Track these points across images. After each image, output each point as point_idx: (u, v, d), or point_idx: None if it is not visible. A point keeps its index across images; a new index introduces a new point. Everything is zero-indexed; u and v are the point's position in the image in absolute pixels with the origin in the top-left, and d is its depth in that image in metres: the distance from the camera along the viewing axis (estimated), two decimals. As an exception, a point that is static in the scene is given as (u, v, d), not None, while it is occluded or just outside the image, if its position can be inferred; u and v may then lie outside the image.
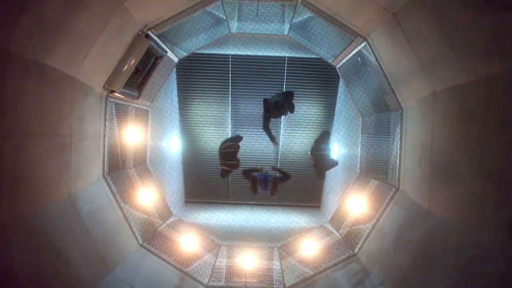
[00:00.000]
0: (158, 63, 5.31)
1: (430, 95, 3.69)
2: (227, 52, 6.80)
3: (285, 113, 5.05)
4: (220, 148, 5.13)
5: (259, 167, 5.43)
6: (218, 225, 6.82)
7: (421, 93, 3.89)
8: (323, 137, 5.35)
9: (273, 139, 5.17)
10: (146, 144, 5.87)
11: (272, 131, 7.55)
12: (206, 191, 8.20)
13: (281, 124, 7.51)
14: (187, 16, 4.74)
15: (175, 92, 7.24)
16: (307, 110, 7.44)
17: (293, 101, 5.04)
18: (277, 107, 4.76)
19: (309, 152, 5.32)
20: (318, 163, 5.06)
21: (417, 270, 3.69)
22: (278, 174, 5.27)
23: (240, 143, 5.28)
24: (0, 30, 2.54)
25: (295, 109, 5.06)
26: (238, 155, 5.19)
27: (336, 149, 6.96)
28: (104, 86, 4.27)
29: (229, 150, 5.03)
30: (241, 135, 5.46)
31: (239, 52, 6.72)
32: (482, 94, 2.84)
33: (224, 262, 5.98)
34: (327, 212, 7.11)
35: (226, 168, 5.11)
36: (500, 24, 2.47)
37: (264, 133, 5.19)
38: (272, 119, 5.15)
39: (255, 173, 5.20)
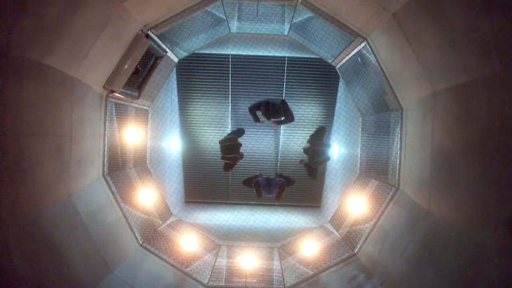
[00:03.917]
0: (158, 63, 5.31)
1: (430, 95, 3.69)
2: (227, 52, 6.80)
3: (278, 118, 5.12)
4: (220, 142, 5.17)
5: (258, 173, 5.44)
6: (218, 225, 6.82)
7: (421, 93, 3.89)
8: (320, 133, 5.35)
9: (257, 119, 5.26)
10: (146, 144, 5.87)
11: (272, 131, 7.63)
12: (206, 191, 8.20)
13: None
14: (187, 16, 4.74)
15: (175, 92, 7.24)
16: (307, 110, 7.44)
17: (293, 101, 5.08)
18: (273, 110, 4.86)
19: (303, 149, 5.34)
20: (314, 158, 5.08)
21: (417, 270, 3.69)
22: (282, 179, 5.25)
23: (241, 141, 5.30)
24: (0, 30, 2.54)
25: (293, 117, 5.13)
26: (240, 149, 5.24)
27: (336, 149, 6.96)
28: (104, 86, 4.27)
29: (228, 143, 5.07)
30: (242, 128, 5.47)
31: (239, 52, 6.71)
32: (482, 94, 2.84)
33: (224, 262, 5.98)
34: (327, 212, 7.11)
35: (227, 161, 5.14)
36: (500, 24, 2.47)
37: (263, 130, 5.23)
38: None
39: (257, 179, 5.22)
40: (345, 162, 6.54)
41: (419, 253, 3.72)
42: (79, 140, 3.83)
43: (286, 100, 5.15)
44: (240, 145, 5.27)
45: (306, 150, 5.36)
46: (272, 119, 5.11)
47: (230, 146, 5.10)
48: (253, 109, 5.14)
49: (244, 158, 5.49)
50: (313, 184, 7.68)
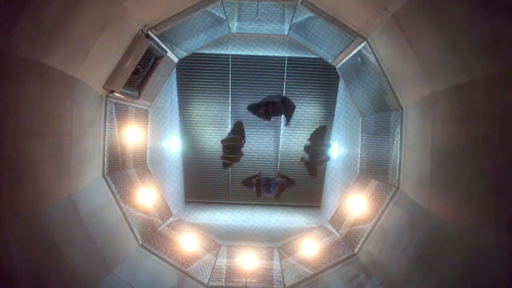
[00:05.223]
0: (158, 63, 5.31)
1: (430, 95, 3.69)
2: (227, 52, 6.80)
3: (278, 116, 5.09)
4: (222, 141, 5.15)
5: (257, 172, 5.42)
6: (218, 225, 6.82)
7: (421, 93, 3.89)
8: (321, 132, 5.35)
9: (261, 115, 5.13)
10: (146, 144, 5.87)
11: (272, 131, 7.63)
12: (206, 191, 8.20)
13: (281, 124, 7.51)
14: (187, 16, 4.74)
15: (175, 92, 7.24)
16: (307, 110, 7.44)
17: (293, 101, 5.07)
18: (273, 109, 4.83)
19: (304, 147, 5.32)
20: (314, 157, 5.08)
21: (417, 270, 3.69)
22: (282, 179, 5.23)
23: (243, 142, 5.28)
24: (0, 30, 2.54)
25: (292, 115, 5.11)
26: (242, 149, 5.21)
27: (336, 149, 6.96)
28: (104, 86, 4.27)
29: (230, 143, 5.06)
30: (239, 121, 5.42)
31: (239, 52, 6.71)
32: (482, 94, 2.84)
33: (224, 262, 5.98)
34: (327, 212, 7.11)
35: (227, 161, 5.13)
36: (500, 24, 2.47)
37: (263, 130, 5.20)
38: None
39: (258, 178, 5.20)
40: (345, 162, 6.54)
41: (419, 253, 3.72)
42: (79, 140, 3.83)
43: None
44: (242, 146, 5.24)
45: (306, 148, 5.35)
46: (273, 117, 5.10)
47: (232, 146, 5.09)
48: (252, 109, 5.11)
49: (244, 158, 5.46)
50: (313, 184, 7.68)
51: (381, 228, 4.77)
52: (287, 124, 5.22)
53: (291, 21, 5.54)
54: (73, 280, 3.50)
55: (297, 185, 5.34)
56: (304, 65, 7.05)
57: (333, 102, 7.35)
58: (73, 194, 3.75)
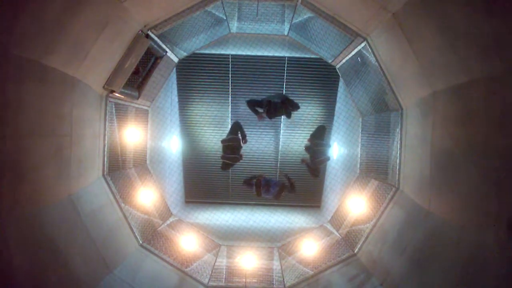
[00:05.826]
0: (158, 63, 5.31)
1: (430, 95, 3.69)
2: (227, 52, 6.80)
3: (279, 117, 5.04)
4: (222, 141, 5.13)
5: (258, 174, 5.38)
6: (218, 225, 6.82)
7: (421, 93, 3.89)
8: (320, 132, 5.35)
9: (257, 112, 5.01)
10: (146, 144, 5.88)
11: (272, 131, 7.63)
12: (206, 191, 8.20)
13: (281, 124, 7.52)
14: (187, 16, 4.74)
15: (175, 92, 7.24)
16: (307, 110, 7.44)
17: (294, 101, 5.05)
18: (275, 109, 4.80)
19: (304, 147, 5.32)
20: (315, 157, 5.08)
21: (417, 270, 3.69)
22: (285, 182, 5.21)
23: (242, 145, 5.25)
24: (0, 30, 2.53)
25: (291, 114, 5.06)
26: (241, 150, 5.18)
27: (336, 149, 6.96)
28: (104, 86, 4.27)
29: (230, 143, 5.04)
30: (237, 121, 5.37)
31: (239, 52, 6.72)
32: (482, 94, 2.84)
33: (224, 262, 5.98)
34: (327, 212, 7.11)
35: (227, 161, 5.11)
36: (500, 25, 2.47)
37: (263, 130, 5.13)
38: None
39: (259, 178, 5.18)
40: (345, 162, 6.54)
41: (419, 253, 3.72)
42: (79, 140, 3.83)
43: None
44: (241, 146, 5.22)
45: (307, 148, 5.35)
46: (274, 118, 5.07)
47: (232, 147, 5.08)
48: (252, 104, 5.04)
49: (244, 158, 5.45)
50: (313, 184, 7.69)
51: (381, 228, 4.77)
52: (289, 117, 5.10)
53: (291, 21, 5.54)
54: (73, 280, 3.50)
55: (297, 185, 5.32)
56: (304, 65, 7.06)
57: (333, 102, 7.35)
58: (73, 194, 3.75)
